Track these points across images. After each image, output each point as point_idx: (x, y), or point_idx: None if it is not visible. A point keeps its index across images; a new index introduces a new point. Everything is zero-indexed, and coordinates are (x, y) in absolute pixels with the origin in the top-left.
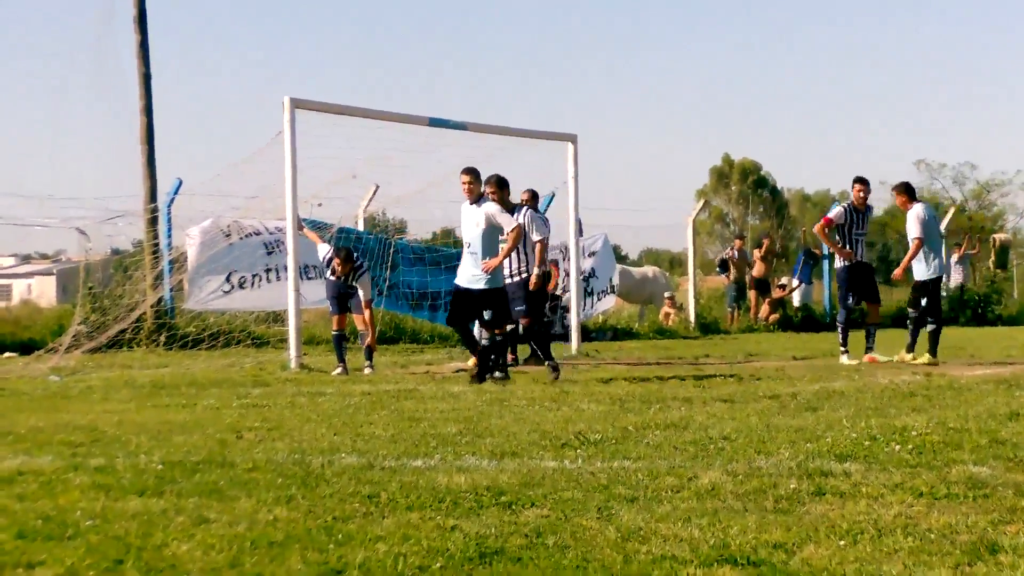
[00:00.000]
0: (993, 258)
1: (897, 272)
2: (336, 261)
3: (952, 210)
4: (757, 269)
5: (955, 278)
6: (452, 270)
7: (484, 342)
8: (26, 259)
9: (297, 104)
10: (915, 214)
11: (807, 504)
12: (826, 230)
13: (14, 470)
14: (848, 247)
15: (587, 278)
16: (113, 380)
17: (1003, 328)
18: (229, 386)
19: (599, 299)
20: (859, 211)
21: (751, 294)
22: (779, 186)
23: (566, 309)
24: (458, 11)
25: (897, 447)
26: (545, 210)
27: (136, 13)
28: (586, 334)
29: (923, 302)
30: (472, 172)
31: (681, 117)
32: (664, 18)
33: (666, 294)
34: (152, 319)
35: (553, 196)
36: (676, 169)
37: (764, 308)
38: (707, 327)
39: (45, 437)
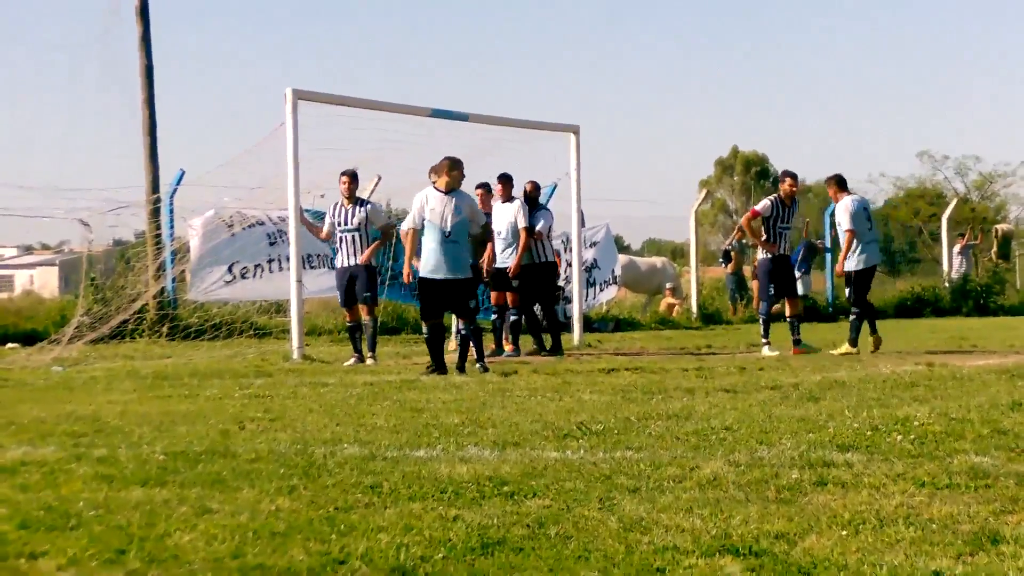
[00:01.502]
0: (995, 249)
1: (838, 268)
2: (344, 180)
3: (955, 201)
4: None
5: (957, 269)
6: None
7: (463, 331)
8: (28, 250)
9: (299, 95)
10: (843, 206)
11: (809, 494)
12: (752, 223)
13: (17, 460)
14: (772, 240)
15: (589, 269)
16: (116, 371)
17: (1005, 318)
18: (231, 376)
19: (601, 290)
20: (786, 205)
21: (753, 284)
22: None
23: (568, 300)
24: (460, 1)
25: (899, 437)
26: (547, 201)
27: (138, 5)
28: (588, 325)
29: (848, 291)
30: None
31: (685, 109)
32: (668, 8)
33: (668, 285)
34: (154, 310)
35: (555, 187)
36: (680, 160)
37: None
38: (709, 317)
39: (48, 427)
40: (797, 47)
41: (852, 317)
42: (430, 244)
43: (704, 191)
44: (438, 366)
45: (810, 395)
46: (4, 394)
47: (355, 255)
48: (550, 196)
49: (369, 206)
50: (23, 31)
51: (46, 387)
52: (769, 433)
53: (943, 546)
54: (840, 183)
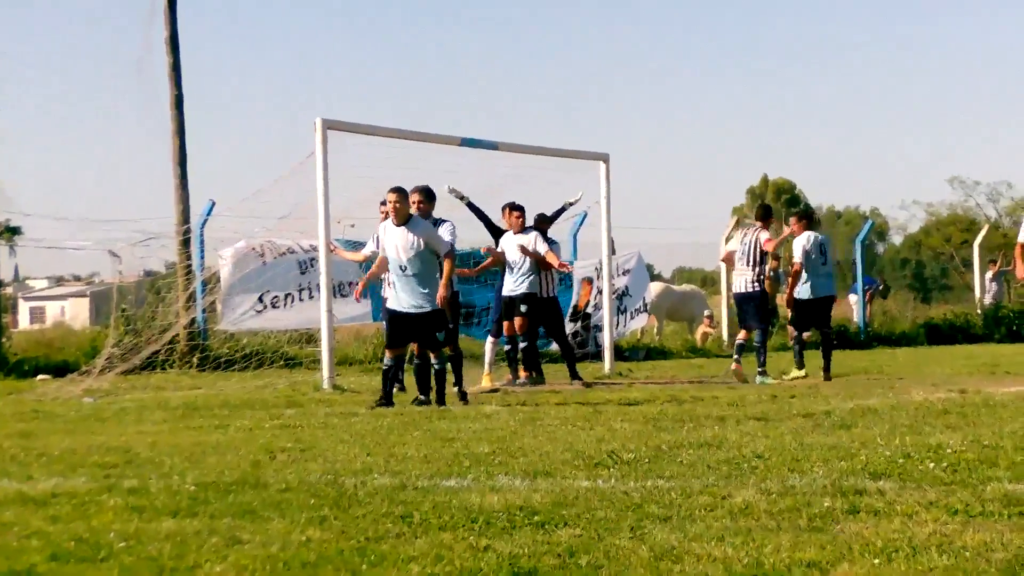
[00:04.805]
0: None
1: (788, 296)
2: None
3: (986, 227)
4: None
5: (990, 295)
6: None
7: (436, 365)
8: (59, 281)
9: (329, 125)
10: (799, 241)
11: (841, 522)
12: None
13: (48, 492)
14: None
15: (620, 296)
16: (146, 402)
17: None
18: (262, 407)
19: (632, 317)
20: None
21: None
22: (812, 204)
23: (599, 328)
24: (490, 32)
25: (932, 465)
26: (577, 230)
27: (168, 35)
28: (619, 353)
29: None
30: (400, 191)
31: (715, 137)
32: (698, 37)
33: (705, 313)
34: (185, 340)
35: (585, 215)
36: (712, 189)
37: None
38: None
39: (79, 459)
40: (828, 74)
41: (825, 342)
42: (391, 277)
43: (735, 218)
44: (386, 398)
45: (842, 423)
46: (35, 425)
47: None
48: (580, 224)
49: None
50: (54, 63)
51: (77, 418)
52: (801, 461)
53: (976, 574)
54: (805, 218)
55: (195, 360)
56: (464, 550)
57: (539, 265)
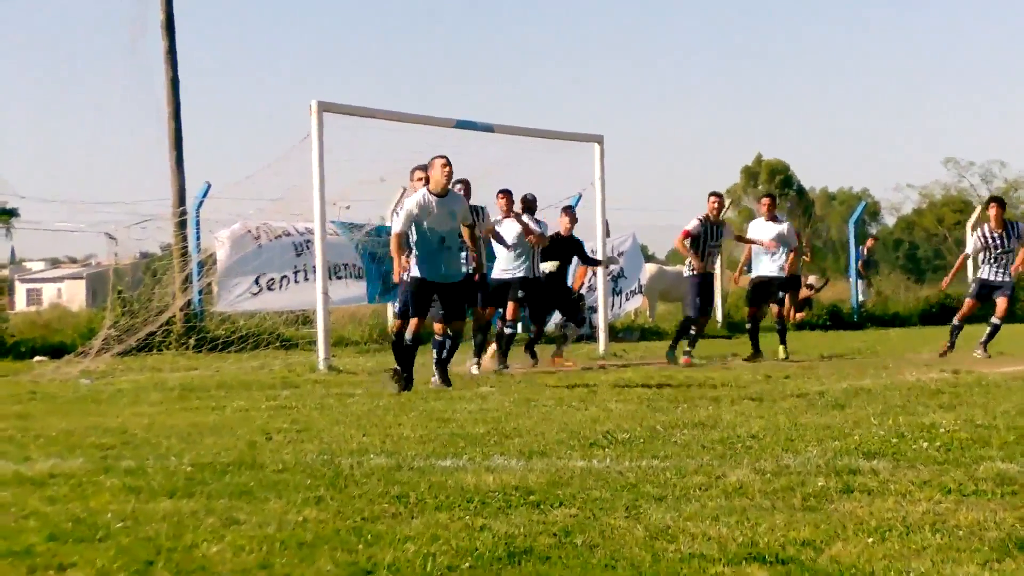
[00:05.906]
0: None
1: (737, 277)
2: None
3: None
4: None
5: None
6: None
7: (451, 335)
8: (55, 263)
9: (324, 107)
10: (792, 228)
11: (835, 502)
12: (685, 242)
13: (45, 473)
14: (701, 259)
15: (615, 278)
16: (143, 383)
17: None
18: (258, 388)
19: (627, 299)
20: (714, 224)
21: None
22: (805, 185)
23: (594, 309)
24: (484, 13)
25: (925, 444)
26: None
27: (164, 19)
28: (613, 334)
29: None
30: (448, 160)
31: (709, 117)
32: (692, 17)
33: None
34: (181, 322)
35: (580, 197)
36: (706, 169)
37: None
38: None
39: (76, 440)
40: (823, 54)
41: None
42: (429, 249)
43: (729, 200)
44: (408, 377)
45: (836, 403)
46: (32, 407)
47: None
48: (575, 206)
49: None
50: (50, 46)
51: (74, 399)
52: (795, 441)
53: (969, 553)
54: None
55: (191, 341)
56: (460, 530)
57: (528, 243)
